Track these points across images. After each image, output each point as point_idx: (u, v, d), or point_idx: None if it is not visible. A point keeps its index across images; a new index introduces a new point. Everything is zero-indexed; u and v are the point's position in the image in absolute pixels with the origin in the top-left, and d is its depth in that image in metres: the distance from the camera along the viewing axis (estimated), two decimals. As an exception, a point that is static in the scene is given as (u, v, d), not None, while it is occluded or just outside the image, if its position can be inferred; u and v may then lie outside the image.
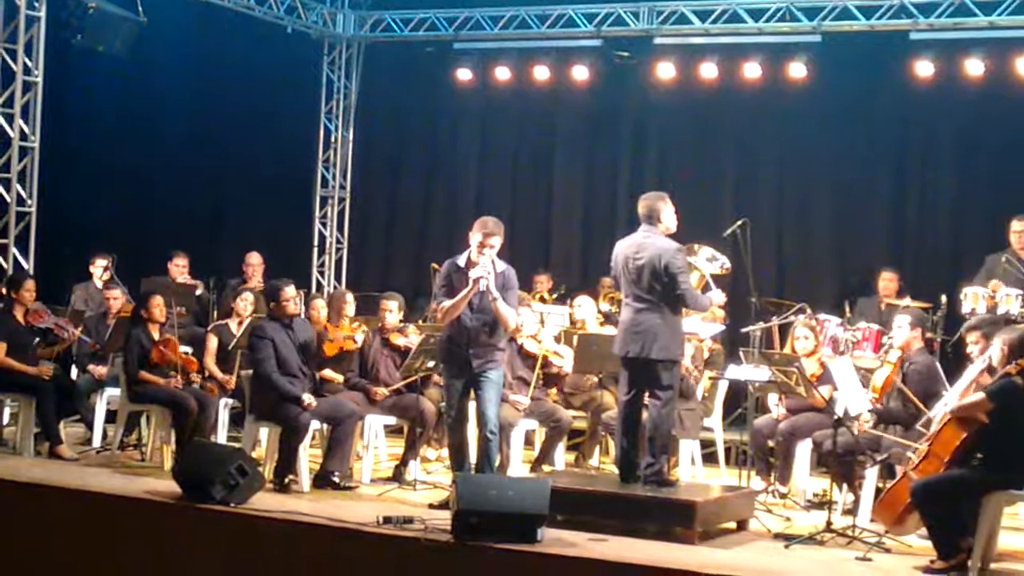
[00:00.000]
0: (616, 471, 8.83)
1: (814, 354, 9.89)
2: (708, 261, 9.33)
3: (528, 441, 10.53)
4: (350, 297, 10.92)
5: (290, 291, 9.65)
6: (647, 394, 8.53)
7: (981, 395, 7.47)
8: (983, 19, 12.03)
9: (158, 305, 10.19)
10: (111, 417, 10.53)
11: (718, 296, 8.98)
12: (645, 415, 8.56)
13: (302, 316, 10.06)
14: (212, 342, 10.85)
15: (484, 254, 8.57)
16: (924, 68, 12.37)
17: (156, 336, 10.18)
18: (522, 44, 14.07)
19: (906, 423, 8.68)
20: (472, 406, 8.81)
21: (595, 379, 10.39)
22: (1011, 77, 12.10)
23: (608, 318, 11.62)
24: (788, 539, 8.14)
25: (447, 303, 8.60)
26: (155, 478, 9.26)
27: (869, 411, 8.82)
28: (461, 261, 8.71)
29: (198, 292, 12.27)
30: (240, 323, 10.95)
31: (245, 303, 11.07)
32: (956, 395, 7.89)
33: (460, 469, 8.67)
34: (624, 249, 8.58)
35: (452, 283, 8.67)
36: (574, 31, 13.65)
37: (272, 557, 7.91)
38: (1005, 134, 12.35)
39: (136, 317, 10.23)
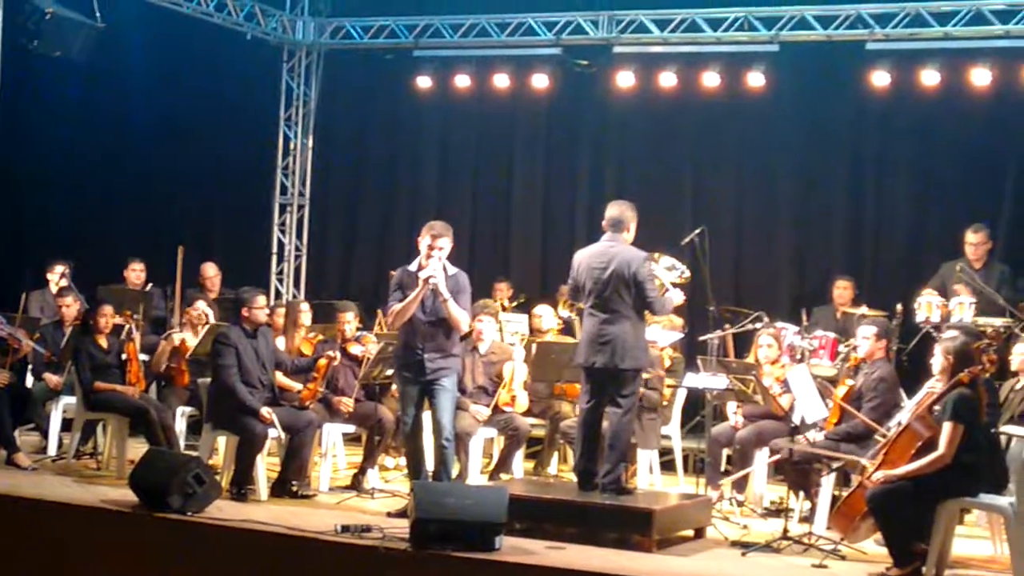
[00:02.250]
0: (574, 479, 8.85)
1: (777, 362, 9.94)
2: (668, 270, 9.36)
3: (486, 450, 10.53)
4: (306, 306, 10.91)
5: (262, 300, 9.70)
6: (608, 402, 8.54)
7: (950, 425, 7.42)
8: (938, 30, 12.10)
9: (105, 315, 10.18)
10: (67, 425, 10.47)
11: (678, 296, 8.99)
12: (605, 424, 8.58)
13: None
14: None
15: (433, 256, 8.63)
16: (880, 78, 12.43)
17: (105, 345, 10.14)
18: (482, 52, 14.04)
19: (860, 439, 8.73)
20: (428, 415, 8.82)
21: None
22: (965, 87, 12.16)
23: (567, 325, 11.64)
24: (745, 547, 8.19)
25: (397, 306, 8.63)
26: (111, 487, 9.21)
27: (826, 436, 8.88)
28: (413, 267, 8.79)
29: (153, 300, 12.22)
30: (196, 332, 10.89)
31: (199, 312, 11.01)
32: (911, 409, 7.90)
33: (416, 477, 8.68)
34: (587, 259, 8.58)
35: (404, 288, 8.71)
36: (534, 39, 13.64)
37: (230, 566, 7.90)
38: (960, 143, 12.42)
39: (86, 326, 10.20)
